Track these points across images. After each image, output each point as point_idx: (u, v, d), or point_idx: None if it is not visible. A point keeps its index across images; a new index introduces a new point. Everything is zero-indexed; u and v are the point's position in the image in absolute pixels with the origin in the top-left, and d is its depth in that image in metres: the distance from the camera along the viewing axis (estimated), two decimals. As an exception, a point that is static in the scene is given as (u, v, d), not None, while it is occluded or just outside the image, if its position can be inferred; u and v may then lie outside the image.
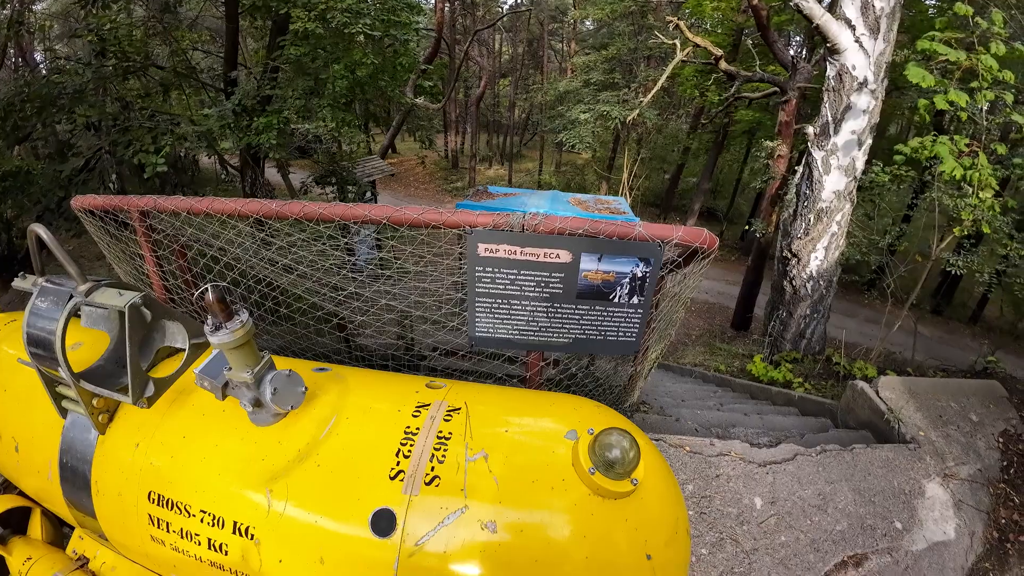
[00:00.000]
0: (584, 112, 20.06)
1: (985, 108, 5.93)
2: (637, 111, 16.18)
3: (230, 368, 1.71)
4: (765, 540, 3.31)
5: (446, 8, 24.81)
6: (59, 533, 2.75)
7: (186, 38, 12.63)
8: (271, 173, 14.36)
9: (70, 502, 2.14)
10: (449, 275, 3.39)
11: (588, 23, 33.44)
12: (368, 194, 15.55)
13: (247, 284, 3.39)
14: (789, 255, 7.38)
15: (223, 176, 16.28)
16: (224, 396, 1.75)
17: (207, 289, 1.58)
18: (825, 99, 6.72)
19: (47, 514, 2.70)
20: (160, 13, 11.74)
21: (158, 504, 1.83)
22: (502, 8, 37.93)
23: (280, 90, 10.50)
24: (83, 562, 2.36)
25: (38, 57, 20.12)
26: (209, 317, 1.63)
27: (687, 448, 3.72)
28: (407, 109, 17.67)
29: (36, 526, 2.68)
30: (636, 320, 2.79)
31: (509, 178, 33.75)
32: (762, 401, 6.55)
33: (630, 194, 19.29)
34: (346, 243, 3.30)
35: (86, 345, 2.33)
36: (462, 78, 33.40)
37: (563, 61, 38.14)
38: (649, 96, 15.43)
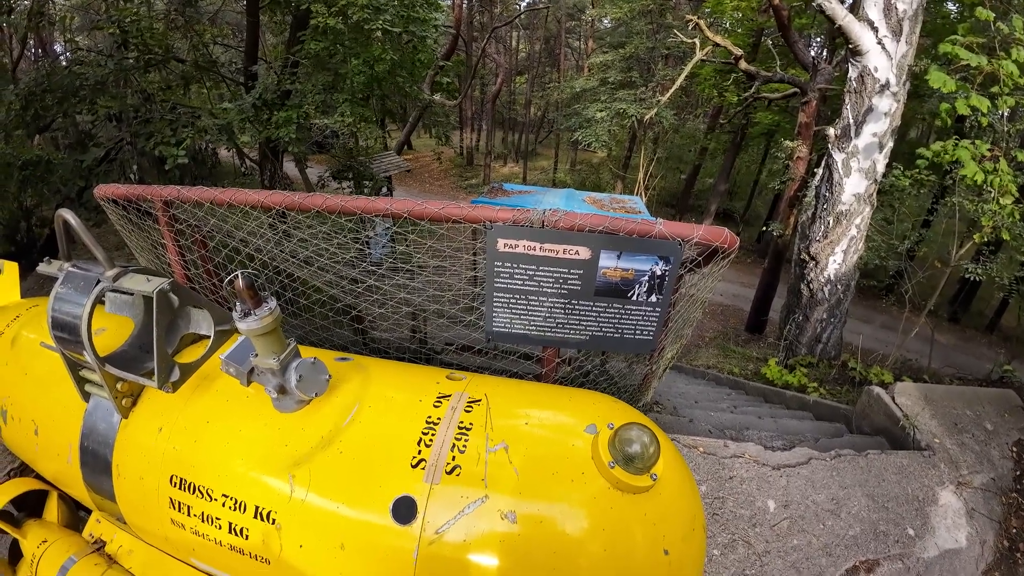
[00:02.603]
0: (600, 110, 19.98)
1: (1006, 114, 5.87)
2: (655, 110, 16.11)
3: (256, 355, 1.73)
4: (777, 543, 3.29)
5: (464, 5, 24.84)
6: (75, 517, 2.77)
7: (207, 32, 12.70)
8: (289, 167, 14.43)
9: (90, 485, 2.16)
10: (466, 270, 3.39)
11: (606, 21, 33.21)
12: (384, 189, 15.62)
13: (267, 275, 3.42)
14: (807, 258, 7.33)
15: (242, 169, 16.38)
16: (249, 382, 1.77)
17: (237, 275, 1.59)
18: (846, 101, 6.67)
19: (64, 497, 2.72)
20: (181, 6, 11.82)
21: (180, 488, 1.85)
22: (520, 5, 37.92)
23: (300, 85, 10.55)
24: (99, 545, 2.38)
25: (58, 48, 20.36)
26: (238, 304, 1.65)
27: (701, 449, 3.72)
28: (424, 105, 17.70)
29: (52, 509, 2.70)
30: (654, 319, 2.79)
31: (524, 176, 33.74)
32: (776, 405, 6.51)
33: (646, 193, 19.24)
34: (365, 237, 3.32)
35: (109, 331, 2.36)
36: (479, 75, 33.41)
37: (580, 59, 38.02)
38: (667, 95, 15.36)
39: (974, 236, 6.18)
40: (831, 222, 6.97)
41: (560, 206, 7.75)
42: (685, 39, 14.22)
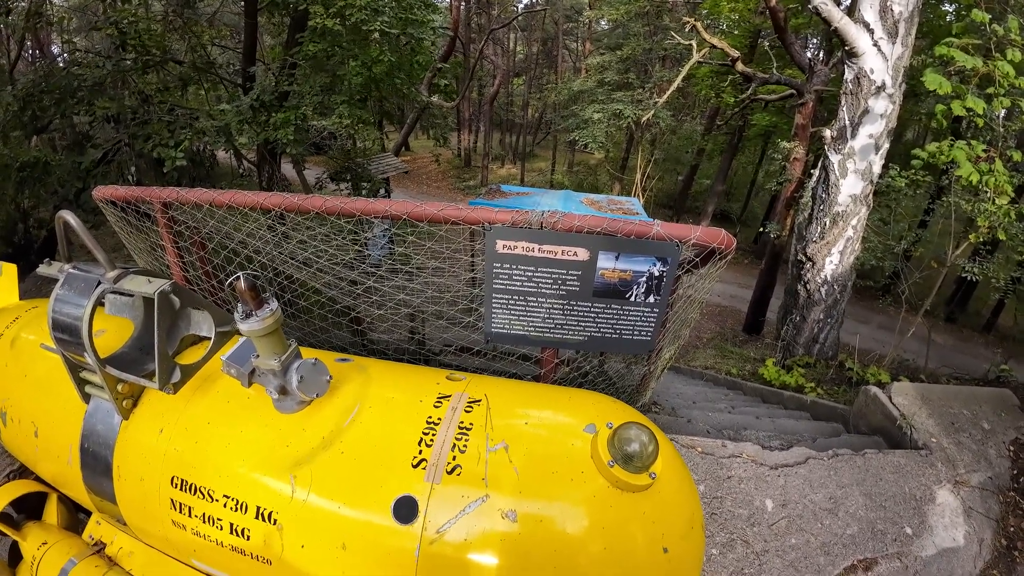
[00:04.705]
0: (598, 111, 20.02)
1: (1002, 115, 5.89)
2: (652, 112, 16.15)
3: (258, 356, 1.73)
4: (776, 542, 3.30)
5: (461, 7, 24.84)
6: (75, 519, 2.76)
7: (205, 33, 12.71)
8: (287, 169, 14.46)
9: (90, 487, 2.16)
10: (464, 271, 3.40)
11: (603, 23, 33.32)
12: (382, 191, 15.62)
13: (266, 277, 3.43)
14: (804, 259, 7.35)
15: (240, 171, 16.38)
16: (250, 383, 1.77)
17: (239, 277, 1.60)
18: (842, 102, 6.68)
19: (63, 499, 2.70)
20: (180, 8, 11.83)
21: (181, 489, 1.84)
22: (517, 7, 37.94)
23: (297, 86, 10.56)
24: (100, 547, 2.37)
25: (56, 50, 20.33)
26: (239, 305, 1.65)
27: (699, 449, 3.73)
28: (421, 107, 17.71)
29: (52, 511, 2.68)
30: (652, 319, 2.80)
31: (521, 177, 33.74)
32: (774, 405, 6.52)
33: (643, 195, 19.26)
34: (364, 238, 3.32)
35: (109, 332, 2.35)
36: (476, 77, 33.39)
37: (577, 61, 38.03)
38: (664, 97, 15.40)
39: (970, 236, 6.20)
40: (828, 223, 6.98)
41: (558, 207, 7.77)
42: (682, 41, 14.28)
